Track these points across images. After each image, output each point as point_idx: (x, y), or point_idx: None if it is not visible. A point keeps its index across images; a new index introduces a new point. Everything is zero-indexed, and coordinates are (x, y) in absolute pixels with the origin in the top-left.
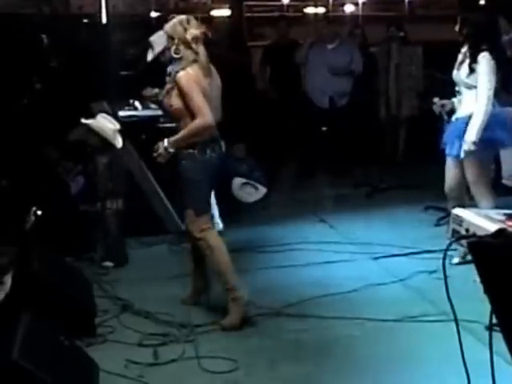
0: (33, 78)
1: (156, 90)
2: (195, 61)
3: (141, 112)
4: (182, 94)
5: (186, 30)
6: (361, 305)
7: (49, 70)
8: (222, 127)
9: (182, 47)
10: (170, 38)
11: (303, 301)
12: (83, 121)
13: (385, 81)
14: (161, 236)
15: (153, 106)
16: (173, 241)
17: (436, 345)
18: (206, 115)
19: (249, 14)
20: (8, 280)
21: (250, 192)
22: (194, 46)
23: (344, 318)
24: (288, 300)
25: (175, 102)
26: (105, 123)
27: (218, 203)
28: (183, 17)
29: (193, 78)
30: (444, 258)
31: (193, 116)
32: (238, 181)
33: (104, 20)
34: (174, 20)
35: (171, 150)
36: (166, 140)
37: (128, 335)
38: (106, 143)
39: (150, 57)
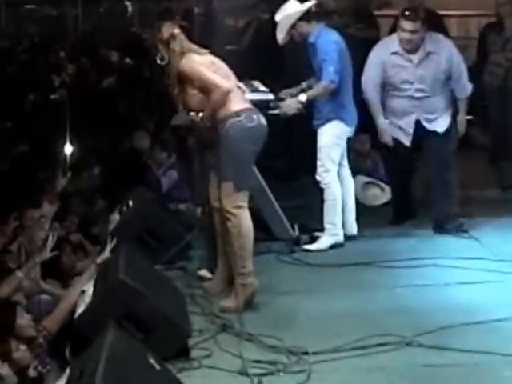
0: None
1: (290, 90)
2: (182, 53)
3: (248, 95)
4: (192, 80)
5: (160, 32)
6: None
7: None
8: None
9: (164, 52)
10: (154, 47)
11: (440, 329)
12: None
13: None
14: (267, 243)
15: (262, 87)
16: (281, 249)
17: None
18: (220, 84)
19: None
20: (89, 289)
21: (375, 193)
22: (172, 42)
23: (493, 354)
24: (421, 327)
25: (192, 91)
26: None
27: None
28: (156, 25)
29: (193, 61)
30: None
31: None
32: (360, 179)
33: None
34: (152, 31)
35: (207, 124)
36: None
37: (227, 361)
38: None
39: (280, 37)
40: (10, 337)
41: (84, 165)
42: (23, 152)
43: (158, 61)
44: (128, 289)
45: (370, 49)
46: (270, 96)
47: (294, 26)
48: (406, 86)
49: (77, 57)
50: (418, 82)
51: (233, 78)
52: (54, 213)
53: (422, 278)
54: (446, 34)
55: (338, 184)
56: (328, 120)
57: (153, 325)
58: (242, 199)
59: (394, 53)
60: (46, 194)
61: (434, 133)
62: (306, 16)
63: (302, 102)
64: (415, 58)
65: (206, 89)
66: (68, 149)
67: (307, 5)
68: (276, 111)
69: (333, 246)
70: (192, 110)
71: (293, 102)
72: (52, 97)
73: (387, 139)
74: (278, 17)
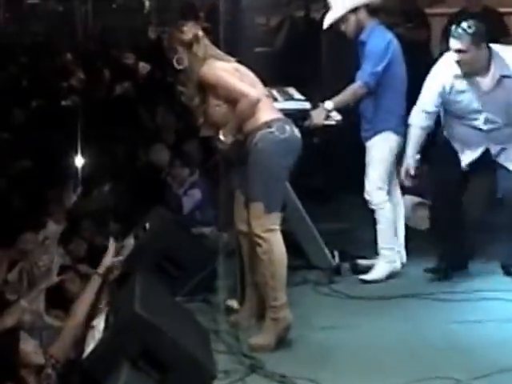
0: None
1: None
2: (203, 59)
3: (281, 104)
4: (216, 88)
5: (182, 32)
6: None
7: None
8: None
9: (184, 56)
10: (171, 48)
11: (499, 372)
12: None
13: None
14: (302, 272)
15: (297, 95)
16: (319, 279)
17: None
18: (247, 92)
19: None
20: (100, 324)
21: (425, 216)
22: (195, 45)
23: None
24: (477, 369)
25: (215, 102)
26: None
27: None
28: (177, 24)
29: (216, 68)
30: None
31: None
32: (409, 200)
33: None
34: (170, 30)
35: (228, 141)
36: (220, 132)
37: None
38: None
39: (327, 21)
40: (15, 367)
41: (94, 181)
42: (25, 167)
43: (175, 65)
44: (144, 323)
45: (419, 52)
46: (307, 105)
47: (355, 11)
48: (473, 116)
49: (86, 59)
50: (488, 111)
51: (260, 86)
52: (60, 233)
53: (480, 313)
54: (508, 35)
55: (390, 204)
56: (378, 131)
57: (172, 364)
58: (274, 222)
59: (458, 76)
60: (52, 212)
61: (505, 168)
62: (369, 8)
63: (328, 111)
64: (484, 83)
65: (231, 98)
66: (78, 162)
67: None
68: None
69: (390, 276)
70: (215, 124)
71: (320, 111)
72: (58, 104)
73: (406, 176)
74: None
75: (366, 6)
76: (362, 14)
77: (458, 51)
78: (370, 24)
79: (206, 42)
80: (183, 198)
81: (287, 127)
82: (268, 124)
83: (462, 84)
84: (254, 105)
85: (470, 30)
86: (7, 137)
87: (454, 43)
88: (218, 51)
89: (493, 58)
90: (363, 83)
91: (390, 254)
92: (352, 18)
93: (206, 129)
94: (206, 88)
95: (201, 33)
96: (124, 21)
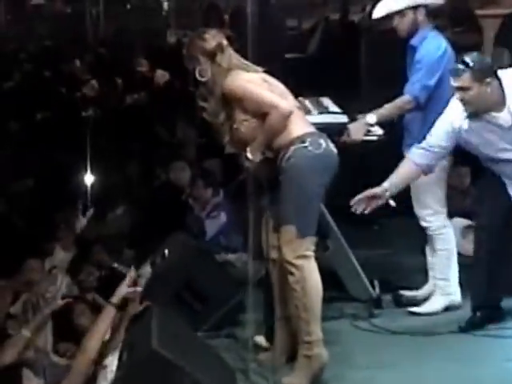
0: None
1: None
2: (227, 70)
3: (315, 117)
4: (242, 102)
5: (204, 40)
6: None
7: None
8: None
9: (207, 66)
10: (192, 58)
11: None
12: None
13: None
14: (339, 304)
15: (333, 107)
16: (358, 312)
17: None
18: (277, 104)
19: None
20: (113, 362)
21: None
22: (219, 55)
23: None
24: None
25: (242, 117)
26: None
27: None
28: (198, 31)
29: (241, 79)
30: None
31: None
32: (458, 223)
33: None
34: (190, 37)
35: (256, 159)
36: (247, 149)
37: None
38: None
39: (378, 12)
40: None
41: (106, 203)
42: (28, 186)
43: (198, 77)
44: (162, 361)
45: None
46: (344, 118)
47: (415, 8)
48: (505, 155)
49: (97, 66)
50: None
51: (291, 97)
52: (68, 262)
53: None
54: None
55: (450, 229)
56: None
57: None
58: (308, 247)
59: (471, 114)
60: (60, 238)
61: None
62: (427, 8)
63: (370, 125)
64: (502, 118)
65: (260, 112)
66: (88, 181)
67: None
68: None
69: (447, 309)
70: (242, 141)
71: (360, 126)
72: (66, 116)
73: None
74: None
75: (426, 7)
76: (421, 14)
77: (460, 89)
78: (424, 27)
79: (230, 51)
80: (206, 222)
81: (322, 142)
82: (301, 138)
83: (478, 125)
84: (285, 118)
85: (471, 65)
86: (9, 153)
87: (453, 80)
88: (244, 61)
89: (505, 88)
90: (412, 98)
91: (446, 284)
92: (409, 16)
93: (231, 146)
94: (232, 102)
95: (225, 41)
96: (140, 23)
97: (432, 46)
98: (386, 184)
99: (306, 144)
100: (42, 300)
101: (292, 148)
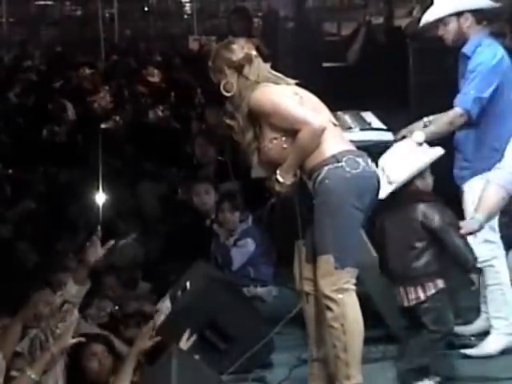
0: None
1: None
2: (255, 83)
3: (356, 134)
4: (271, 117)
5: (231, 51)
6: None
7: None
8: None
9: (234, 78)
10: (217, 70)
11: None
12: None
13: None
14: (382, 345)
15: (376, 122)
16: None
17: None
18: (310, 120)
19: None
20: None
21: None
22: (247, 67)
23: None
24: None
25: (270, 135)
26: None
27: None
28: (224, 41)
29: (270, 92)
30: None
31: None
32: None
33: None
34: (215, 47)
35: (287, 182)
36: (277, 171)
37: None
38: None
39: (423, 21)
40: None
41: (119, 229)
42: (29, 209)
43: (223, 91)
44: None
45: None
46: (389, 136)
47: (459, 15)
48: None
49: (111, 75)
50: None
51: (326, 112)
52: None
53: None
54: None
55: (504, 260)
56: (479, 171)
57: None
58: (348, 280)
59: None
60: (70, 268)
61: None
62: (478, 14)
63: (418, 144)
64: None
65: (290, 128)
66: (99, 202)
67: (488, 2)
68: None
69: (503, 352)
70: (271, 162)
71: (406, 144)
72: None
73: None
74: None
75: (474, 12)
76: (467, 21)
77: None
78: (476, 34)
79: (259, 62)
80: (233, 250)
81: (361, 161)
82: (336, 157)
83: None
84: (318, 135)
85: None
86: (11, 172)
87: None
88: (275, 72)
89: None
90: (464, 111)
91: (504, 323)
92: (453, 24)
93: (260, 168)
94: (259, 118)
95: (254, 51)
96: (158, 28)
97: (486, 54)
98: (478, 215)
99: (341, 163)
100: (52, 337)
101: (326, 168)
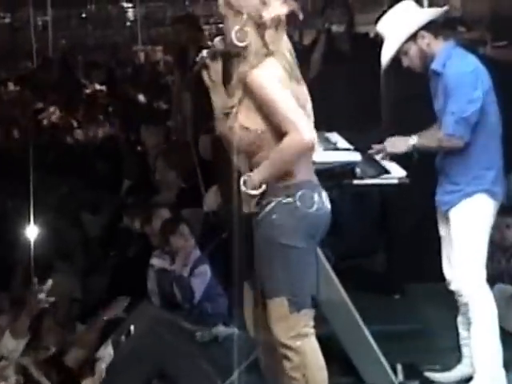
0: None
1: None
2: (270, 54)
3: (321, 155)
4: (262, 104)
5: (264, 3)
6: None
7: None
8: None
9: (251, 30)
10: (236, 12)
11: None
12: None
13: None
14: None
15: (342, 143)
16: None
17: None
18: (303, 129)
19: None
20: None
21: None
22: (271, 32)
23: None
24: None
25: (251, 121)
26: None
27: None
28: None
29: (276, 76)
30: None
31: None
32: (502, 291)
33: None
34: None
35: (254, 193)
36: (242, 179)
37: None
38: None
39: (383, 60)
40: None
41: (51, 263)
42: None
43: (235, 40)
44: None
45: None
46: (356, 156)
47: (413, 38)
48: None
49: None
50: None
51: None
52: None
53: None
54: None
55: (490, 296)
56: (467, 194)
57: None
58: (306, 323)
59: None
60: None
61: None
62: (433, 27)
63: (411, 147)
64: None
65: (277, 125)
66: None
67: (435, 11)
68: (370, 179)
69: None
70: (240, 152)
71: (402, 141)
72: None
73: None
74: (382, 26)
75: (429, 26)
76: (426, 39)
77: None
78: (441, 47)
79: (284, 35)
80: (191, 280)
81: (316, 197)
82: (290, 190)
83: None
84: (305, 149)
85: None
86: None
87: None
88: (292, 60)
89: None
90: (448, 135)
91: (488, 368)
92: (413, 48)
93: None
94: (248, 94)
95: (284, 18)
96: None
97: (459, 68)
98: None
99: (294, 199)
100: None
101: (275, 201)
